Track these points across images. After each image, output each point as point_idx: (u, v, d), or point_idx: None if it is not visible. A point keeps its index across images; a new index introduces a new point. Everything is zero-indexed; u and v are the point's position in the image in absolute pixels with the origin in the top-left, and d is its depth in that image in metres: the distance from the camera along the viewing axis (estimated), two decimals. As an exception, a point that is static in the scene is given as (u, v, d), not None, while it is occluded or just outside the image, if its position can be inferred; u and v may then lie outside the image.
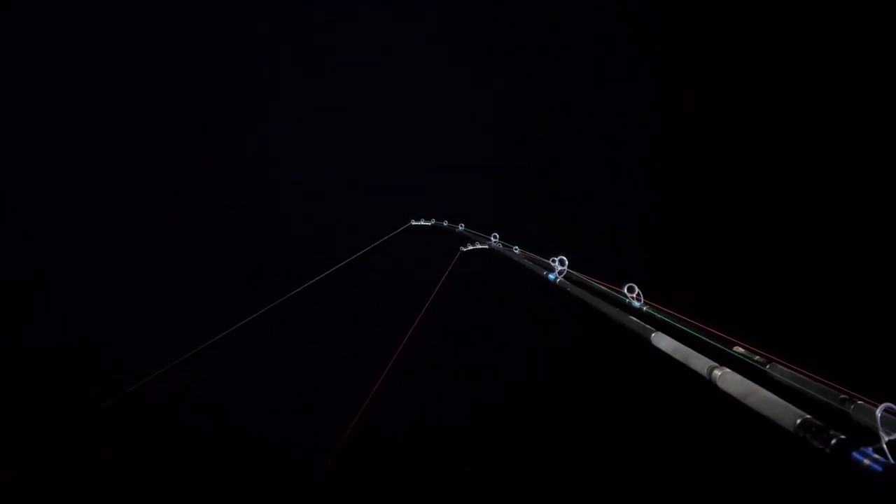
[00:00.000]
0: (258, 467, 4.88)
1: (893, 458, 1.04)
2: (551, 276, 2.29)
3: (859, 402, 1.29)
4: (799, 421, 1.18)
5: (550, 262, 2.33)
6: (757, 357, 1.52)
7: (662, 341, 1.51)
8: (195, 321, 5.37)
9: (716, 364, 1.39)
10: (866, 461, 1.04)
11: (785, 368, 1.47)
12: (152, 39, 6.17)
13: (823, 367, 1.45)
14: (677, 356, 1.46)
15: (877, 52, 4.40)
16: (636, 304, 1.88)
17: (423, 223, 4.99)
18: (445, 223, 4.61)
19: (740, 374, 1.36)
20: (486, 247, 3.39)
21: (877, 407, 1.13)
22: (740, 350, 1.54)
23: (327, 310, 5.86)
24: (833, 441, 1.11)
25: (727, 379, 1.34)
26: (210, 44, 6.45)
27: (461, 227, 4.26)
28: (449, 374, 5.53)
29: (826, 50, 4.70)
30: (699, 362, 1.41)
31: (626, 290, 1.90)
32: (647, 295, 1.89)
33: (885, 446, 1.06)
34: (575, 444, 4.67)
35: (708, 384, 1.39)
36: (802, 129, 4.75)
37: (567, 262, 2.28)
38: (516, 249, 3.09)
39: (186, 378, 4.83)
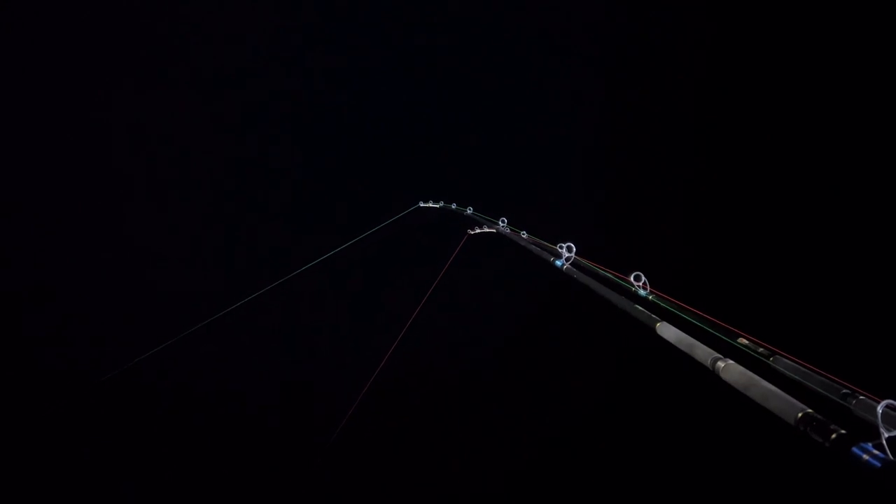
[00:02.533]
0: (265, 437, 4.97)
1: (893, 455, 1.05)
2: (559, 263, 2.28)
3: (861, 397, 1.29)
4: (800, 415, 1.19)
5: (558, 248, 2.32)
6: (761, 349, 1.52)
7: (667, 331, 1.52)
8: (200, 298, 5.45)
9: (719, 355, 1.39)
10: (865, 457, 1.05)
11: (788, 361, 1.47)
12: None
13: (827, 362, 1.45)
14: (681, 346, 1.47)
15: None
16: (642, 292, 1.88)
17: (431, 205, 4.96)
18: (454, 206, 4.56)
19: (743, 365, 1.37)
20: (494, 231, 3.39)
21: (878, 403, 1.13)
22: (744, 342, 1.55)
23: (334, 287, 5.91)
24: (833, 436, 1.11)
25: (730, 370, 1.35)
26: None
27: (469, 211, 4.21)
28: (450, 355, 5.57)
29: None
30: (703, 353, 1.41)
31: (632, 279, 1.90)
32: (654, 284, 1.88)
33: (884, 442, 1.07)
34: (575, 433, 4.71)
35: (711, 375, 1.39)
36: (810, 125, 4.73)
37: (575, 249, 2.28)
38: (524, 234, 3.08)
39: (195, 351, 4.91)
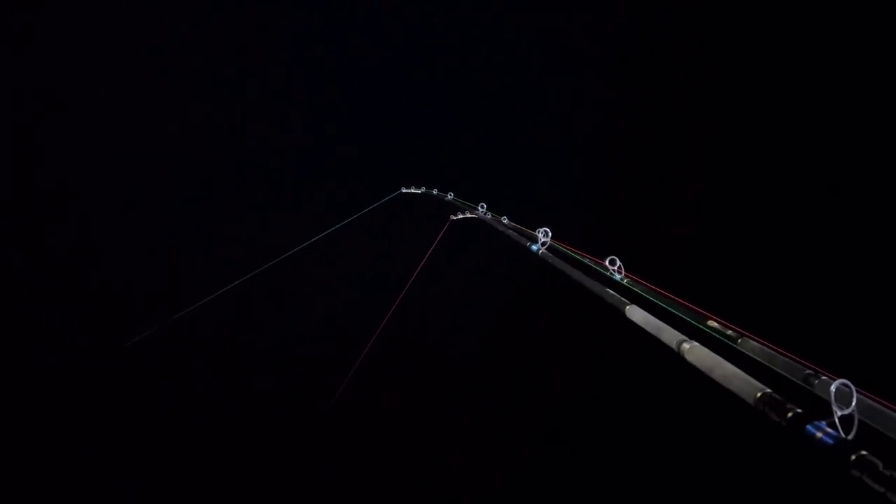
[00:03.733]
0: (266, 414, 5.02)
1: (845, 432, 1.08)
2: (534, 247, 2.30)
3: (823, 377, 1.33)
4: (759, 394, 1.22)
5: (535, 233, 2.35)
6: (729, 332, 1.55)
7: (636, 314, 1.54)
8: (209, 271, 5.52)
9: (685, 337, 1.42)
10: (819, 434, 1.08)
11: (755, 343, 1.50)
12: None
13: (797, 344, 1.48)
14: (649, 328, 1.49)
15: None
16: (617, 276, 1.90)
17: (413, 191, 5.00)
18: (435, 191, 4.59)
19: (710, 348, 1.39)
20: (476, 216, 3.41)
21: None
22: (713, 324, 1.57)
23: (315, 274, 5.96)
24: (789, 414, 1.15)
25: (695, 352, 1.37)
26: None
27: (450, 196, 4.23)
28: (433, 342, 5.61)
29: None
30: (669, 335, 1.43)
31: (607, 263, 1.93)
32: (630, 269, 1.91)
33: (837, 420, 1.10)
34: (541, 414, 4.76)
35: (677, 357, 1.42)
36: (780, 113, 4.78)
37: (551, 234, 2.30)
38: (504, 219, 3.10)
39: (203, 321, 4.98)
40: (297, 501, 4.67)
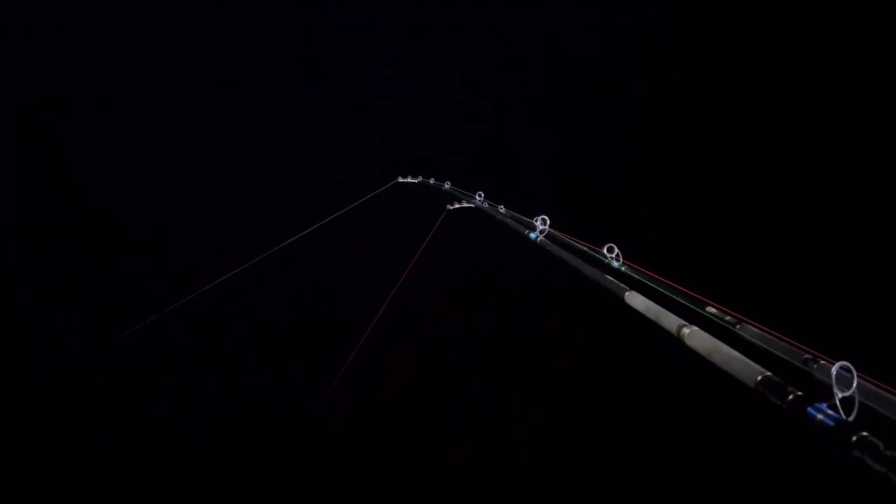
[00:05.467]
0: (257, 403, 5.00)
1: (845, 415, 1.07)
2: (532, 235, 2.29)
3: (822, 361, 1.32)
4: (759, 378, 1.20)
5: (533, 221, 2.34)
6: (728, 317, 1.54)
7: (635, 300, 1.53)
8: (202, 262, 5.52)
9: (685, 322, 1.41)
10: (819, 416, 1.07)
11: (754, 329, 1.49)
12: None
13: (795, 330, 1.47)
14: (649, 314, 1.48)
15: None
16: (615, 264, 1.89)
17: (410, 180, 4.99)
18: (432, 181, 4.59)
19: (709, 333, 1.38)
20: (472, 205, 3.40)
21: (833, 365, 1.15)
22: (712, 310, 1.56)
23: (316, 264, 5.95)
24: (790, 397, 1.13)
25: (695, 337, 1.36)
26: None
27: (447, 185, 4.23)
28: (432, 329, 5.59)
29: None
30: (669, 320, 1.43)
31: (605, 251, 1.92)
32: (629, 256, 1.90)
33: (837, 402, 1.09)
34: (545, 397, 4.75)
35: (677, 341, 1.41)
36: (777, 110, 4.80)
37: (549, 222, 2.29)
38: (501, 209, 3.09)
39: (194, 315, 4.97)
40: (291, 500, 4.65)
